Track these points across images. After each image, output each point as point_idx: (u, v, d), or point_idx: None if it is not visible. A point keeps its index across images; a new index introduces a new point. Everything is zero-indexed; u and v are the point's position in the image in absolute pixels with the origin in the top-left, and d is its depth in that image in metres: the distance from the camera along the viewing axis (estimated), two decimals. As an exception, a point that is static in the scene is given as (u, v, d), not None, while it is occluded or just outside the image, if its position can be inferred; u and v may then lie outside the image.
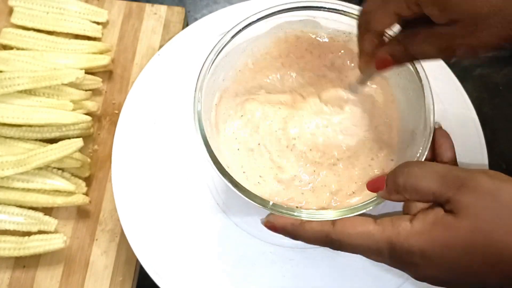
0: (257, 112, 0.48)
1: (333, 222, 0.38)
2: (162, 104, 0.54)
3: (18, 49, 0.59)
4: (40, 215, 0.52)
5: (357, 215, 0.38)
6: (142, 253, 0.48)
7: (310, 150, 0.46)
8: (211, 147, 0.41)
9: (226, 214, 0.50)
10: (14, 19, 0.60)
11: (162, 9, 0.63)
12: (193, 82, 0.44)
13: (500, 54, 0.65)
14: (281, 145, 0.46)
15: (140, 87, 0.55)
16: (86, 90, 0.58)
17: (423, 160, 0.41)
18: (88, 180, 0.56)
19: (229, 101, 0.48)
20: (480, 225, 0.32)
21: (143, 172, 0.51)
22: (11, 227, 0.51)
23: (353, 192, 0.44)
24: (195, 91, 0.43)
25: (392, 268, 0.37)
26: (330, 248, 0.38)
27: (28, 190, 0.52)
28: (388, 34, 0.40)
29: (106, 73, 0.60)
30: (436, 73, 0.53)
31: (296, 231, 0.39)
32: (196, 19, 0.59)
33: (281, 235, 0.40)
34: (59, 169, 0.54)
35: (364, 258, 0.38)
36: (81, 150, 0.54)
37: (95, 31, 0.61)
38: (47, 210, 0.53)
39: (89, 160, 0.56)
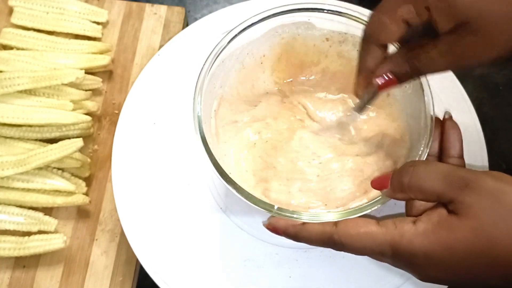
0: (255, 120, 0.48)
1: (336, 223, 0.38)
2: (162, 104, 0.54)
3: (18, 49, 0.59)
4: (40, 215, 0.52)
5: (360, 216, 0.38)
6: (142, 253, 0.48)
7: (311, 162, 0.47)
8: (214, 155, 0.41)
9: (227, 215, 0.50)
10: (14, 19, 0.60)
11: (162, 9, 0.63)
12: (193, 82, 0.44)
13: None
14: (281, 154, 0.47)
15: (140, 87, 0.55)
16: (86, 90, 0.58)
17: (424, 158, 0.41)
18: (88, 180, 0.56)
19: (227, 107, 0.48)
20: (483, 227, 0.32)
21: (143, 172, 0.51)
22: (11, 227, 0.51)
23: (357, 195, 0.44)
24: (194, 98, 0.43)
25: (393, 267, 0.37)
26: (333, 249, 0.38)
27: (28, 190, 0.52)
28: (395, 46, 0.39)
29: (106, 73, 0.60)
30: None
31: (298, 232, 0.39)
32: (196, 19, 0.59)
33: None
34: (59, 169, 0.54)
35: (366, 257, 0.38)
36: (81, 150, 0.54)
37: (95, 31, 0.61)
38: (47, 210, 0.53)
39: (89, 160, 0.56)
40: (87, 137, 0.57)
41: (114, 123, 0.56)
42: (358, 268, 0.48)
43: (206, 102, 0.44)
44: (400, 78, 0.38)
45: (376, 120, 0.48)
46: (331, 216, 0.38)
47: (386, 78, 0.38)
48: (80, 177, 0.55)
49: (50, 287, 0.52)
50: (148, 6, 0.63)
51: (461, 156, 0.43)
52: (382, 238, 0.35)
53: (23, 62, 0.56)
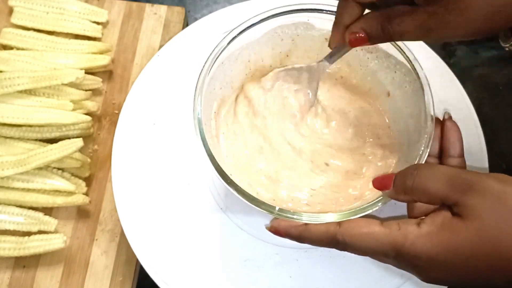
0: (254, 120, 0.48)
1: (339, 223, 0.38)
2: (162, 104, 0.54)
3: (18, 49, 0.59)
4: (40, 215, 0.52)
5: (362, 216, 0.38)
6: (142, 253, 0.48)
7: (305, 157, 0.47)
8: (214, 157, 0.41)
9: (227, 215, 0.50)
10: (14, 19, 0.60)
11: (162, 9, 0.63)
12: (193, 82, 0.44)
13: (500, 54, 0.65)
14: (281, 154, 0.47)
15: (140, 88, 0.55)
16: (86, 90, 0.58)
17: (425, 158, 0.41)
18: (88, 180, 0.56)
19: (227, 108, 0.48)
20: (486, 229, 0.32)
21: (143, 172, 0.51)
22: (11, 227, 0.51)
23: (355, 198, 0.44)
24: (194, 100, 0.43)
25: (393, 267, 0.37)
26: (336, 249, 0.38)
27: (28, 190, 0.52)
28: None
29: (106, 73, 0.60)
30: (436, 73, 0.54)
31: (301, 234, 0.39)
32: (196, 19, 0.59)
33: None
34: (59, 169, 0.54)
35: (366, 258, 0.38)
36: (81, 150, 0.54)
37: (95, 31, 0.61)
38: (47, 210, 0.53)
39: (89, 160, 0.56)
40: (87, 137, 0.57)
41: (114, 123, 0.56)
42: (358, 268, 0.48)
43: (206, 103, 0.44)
44: (371, 39, 0.38)
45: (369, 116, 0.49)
46: (332, 216, 0.38)
47: (358, 35, 0.38)
48: (80, 177, 0.55)
49: (50, 287, 0.52)
50: (148, 6, 0.63)
51: (461, 156, 0.43)
52: (385, 239, 0.35)
53: (23, 62, 0.56)
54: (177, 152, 0.53)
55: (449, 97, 0.53)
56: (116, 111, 0.58)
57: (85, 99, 0.58)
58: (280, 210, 0.39)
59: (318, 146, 0.48)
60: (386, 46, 0.46)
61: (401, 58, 0.45)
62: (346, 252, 0.38)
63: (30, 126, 0.54)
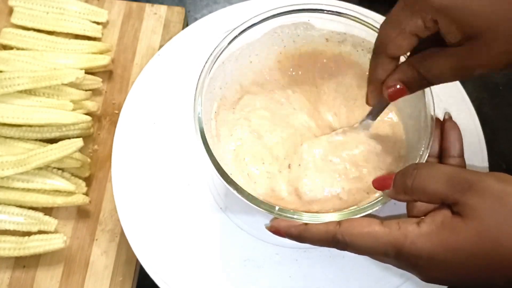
0: (255, 121, 0.48)
1: (339, 222, 0.38)
2: (162, 104, 0.54)
3: (18, 49, 0.59)
4: (40, 215, 0.52)
5: (361, 216, 0.38)
6: (142, 253, 0.48)
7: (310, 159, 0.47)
8: (215, 156, 0.41)
9: (227, 215, 0.50)
10: (14, 19, 0.60)
11: (162, 9, 0.63)
12: (193, 82, 0.44)
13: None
14: (282, 158, 0.47)
15: (140, 87, 0.55)
16: (86, 90, 0.58)
17: (425, 158, 0.41)
18: (88, 180, 0.56)
19: (228, 108, 0.48)
20: (486, 229, 0.32)
21: (143, 172, 0.51)
22: (11, 227, 0.51)
23: (357, 197, 0.44)
24: (194, 100, 0.43)
25: (393, 267, 0.37)
26: (336, 248, 0.38)
27: (28, 190, 0.52)
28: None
29: (106, 73, 0.60)
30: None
31: (301, 233, 0.39)
32: (196, 19, 0.59)
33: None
34: (59, 169, 0.54)
35: (366, 257, 0.38)
36: (81, 150, 0.54)
37: (95, 31, 0.61)
38: (47, 210, 0.53)
39: (89, 160, 0.56)
40: (87, 137, 0.57)
41: (114, 123, 0.56)
42: (358, 268, 0.48)
43: (207, 103, 0.44)
44: (410, 88, 0.38)
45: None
46: (332, 216, 0.38)
47: (396, 88, 0.38)
48: (80, 177, 0.55)
49: (50, 287, 0.52)
50: (148, 6, 0.63)
51: (461, 156, 0.43)
52: (386, 239, 0.35)
53: (23, 62, 0.56)
54: (177, 152, 0.53)
55: (449, 97, 0.53)
56: (116, 111, 0.58)
57: (85, 99, 0.58)
58: (280, 209, 0.39)
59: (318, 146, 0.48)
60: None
61: (401, 59, 0.45)
62: (346, 252, 0.38)
63: (30, 126, 0.54)
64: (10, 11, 0.61)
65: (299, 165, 0.45)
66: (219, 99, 0.48)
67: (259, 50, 0.48)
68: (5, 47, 0.59)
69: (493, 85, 0.65)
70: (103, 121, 0.58)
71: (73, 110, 0.55)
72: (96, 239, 0.54)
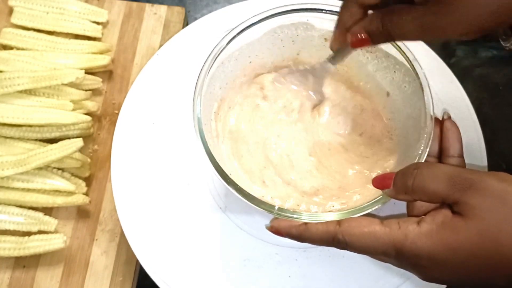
0: (254, 122, 0.48)
1: (339, 222, 0.38)
2: (162, 104, 0.54)
3: (18, 49, 0.59)
4: (40, 215, 0.52)
5: (361, 215, 0.38)
6: (142, 253, 0.48)
7: (307, 156, 0.46)
8: (214, 157, 0.41)
9: (227, 215, 0.50)
10: (14, 19, 0.60)
11: (162, 9, 0.63)
12: (192, 82, 0.44)
13: (500, 54, 0.65)
14: (280, 155, 0.47)
15: (140, 87, 0.55)
16: (86, 90, 0.58)
17: (425, 158, 0.41)
18: (88, 180, 0.56)
19: (227, 108, 0.48)
20: (487, 228, 0.32)
21: (142, 172, 0.51)
22: (11, 227, 0.51)
23: (358, 195, 0.44)
24: (193, 100, 0.43)
25: (393, 267, 0.37)
26: (336, 248, 0.38)
27: (28, 190, 0.52)
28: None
29: (106, 73, 0.60)
30: (436, 73, 0.54)
31: (301, 233, 0.39)
32: (196, 19, 0.59)
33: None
34: (59, 169, 0.54)
35: (366, 257, 0.38)
36: (81, 150, 0.54)
37: (95, 31, 0.61)
38: (47, 210, 0.53)
39: (89, 160, 0.56)
40: (87, 137, 0.57)
41: (114, 123, 0.56)
42: (358, 268, 0.48)
43: (206, 103, 0.44)
44: (373, 39, 0.38)
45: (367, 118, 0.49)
46: (331, 216, 0.38)
47: (360, 36, 0.38)
48: (80, 177, 0.55)
49: (50, 287, 0.52)
50: (148, 6, 0.63)
51: (461, 156, 0.43)
52: (386, 238, 0.35)
53: (23, 62, 0.56)
54: (176, 151, 0.53)
55: (449, 97, 0.53)
56: (116, 111, 0.58)
57: (85, 99, 0.58)
58: (280, 209, 0.39)
59: (318, 147, 0.48)
60: (386, 46, 0.46)
61: (400, 58, 0.45)
62: (345, 252, 0.38)
63: (30, 126, 0.54)
64: (10, 11, 0.61)
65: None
66: (219, 99, 0.48)
67: (259, 50, 0.48)
68: (5, 47, 0.59)
69: (493, 85, 0.65)
70: (103, 121, 0.59)
71: (73, 110, 0.55)
72: (96, 239, 0.54)
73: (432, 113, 0.42)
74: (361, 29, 0.38)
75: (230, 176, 0.40)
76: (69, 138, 0.54)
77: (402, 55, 0.44)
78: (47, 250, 0.51)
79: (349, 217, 0.38)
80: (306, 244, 0.40)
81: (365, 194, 0.44)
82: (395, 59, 0.46)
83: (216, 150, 0.43)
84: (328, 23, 0.47)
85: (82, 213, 0.55)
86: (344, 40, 0.40)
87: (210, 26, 0.57)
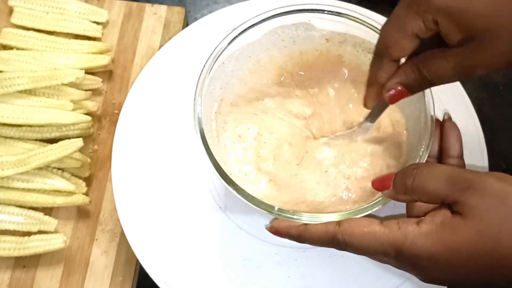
0: (255, 123, 0.48)
1: (339, 222, 0.38)
2: (162, 104, 0.54)
3: (18, 49, 0.59)
4: (40, 215, 0.52)
5: (362, 216, 0.38)
6: (142, 253, 0.48)
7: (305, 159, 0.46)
8: (214, 157, 0.41)
9: (227, 215, 0.50)
10: (14, 19, 0.60)
11: (162, 9, 0.63)
12: (193, 82, 0.44)
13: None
14: (282, 158, 0.47)
15: (140, 87, 0.55)
16: (86, 90, 0.58)
17: (425, 159, 0.41)
18: (88, 180, 0.56)
19: (228, 108, 0.48)
20: (486, 228, 0.32)
21: (143, 172, 0.51)
22: (11, 227, 0.51)
23: (356, 200, 0.44)
24: (194, 100, 0.43)
25: (393, 267, 0.37)
26: (336, 249, 0.38)
27: (28, 190, 0.52)
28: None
29: (106, 73, 0.60)
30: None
31: (301, 234, 0.39)
32: (196, 19, 0.59)
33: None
34: (59, 169, 0.54)
35: (366, 258, 0.38)
36: (81, 150, 0.54)
37: (95, 31, 0.61)
38: (47, 210, 0.53)
39: (89, 160, 0.56)
40: (87, 137, 0.57)
41: (114, 123, 0.56)
42: (358, 268, 0.48)
43: (207, 103, 0.44)
44: (411, 90, 0.38)
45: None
46: (332, 216, 0.38)
47: (397, 91, 0.38)
48: (80, 177, 0.55)
49: (50, 287, 0.52)
50: (148, 6, 0.63)
51: (460, 156, 0.43)
52: (385, 239, 0.35)
53: (23, 62, 0.56)
54: (177, 151, 0.53)
55: (449, 97, 0.53)
56: (116, 111, 0.58)
57: (85, 99, 0.58)
58: (280, 210, 0.39)
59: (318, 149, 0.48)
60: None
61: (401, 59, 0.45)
62: (345, 252, 0.38)
63: (30, 126, 0.54)
64: (10, 11, 0.61)
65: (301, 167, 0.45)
66: (220, 99, 0.48)
67: (260, 50, 0.48)
68: (5, 47, 0.59)
69: (493, 85, 0.65)
70: (103, 121, 0.58)
71: (73, 110, 0.55)
72: (96, 239, 0.54)
73: (432, 114, 0.42)
74: (398, 83, 0.38)
75: (230, 176, 0.40)
76: (69, 138, 0.54)
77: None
78: (47, 250, 0.51)
79: (348, 218, 0.38)
80: (306, 245, 0.40)
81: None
82: (395, 60, 0.46)
83: (216, 150, 0.43)
84: (329, 23, 0.47)
85: (82, 213, 0.55)
86: (380, 96, 0.40)
87: (210, 26, 0.57)
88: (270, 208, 0.39)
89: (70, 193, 0.53)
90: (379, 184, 0.39)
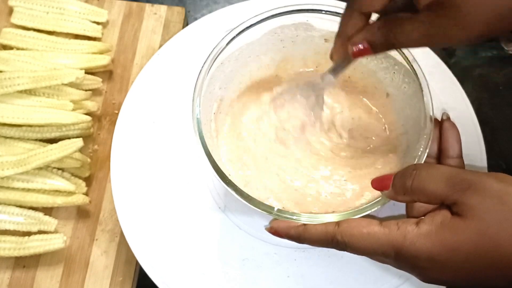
0: (254, 123, 0.48)
1: (338, 223, 0.38)
2: (162, 103, 0.54)
3: (18, 49, 0.59)
4: (40, 215, 0.52)
5: (360, 216, 0.38)
6: (141, 253, 0.48)
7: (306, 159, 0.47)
8: (213, 157, 0.41)
9: (226, 214, 0.50)
10: (14, 19, 0.60)
11: (162, 9, 0.63)
12: (192, 82, 0.44)
13: (500, 54, 0.65)
14: (279, 155, 0.47)
15: (140, 87, 0.55)
16: (86, 90, 0.58)
17: (424, 159, 0.41)
18: (88, 180, 0.56)
19: (227, 109, 0.48)
20: (486, 228, 0.32)
21: (142, 172, 0.51)
22: (11, 227, 0.51)
23: (357, 197, 0.44)
24: (193, 101, 0.43)
25: (392, 268, 0.37)
26: (335, 249, 0.38)
27: (28, 190, 0.52)
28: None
29: (106, 73, 0.60)
30: (435, 73, 0.54)
31: (300, 234, 0.39)
32: (196, 19, 0.59)
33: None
34: (59, 169, 0.54)
35: (365, 258, 0.38)
36: (81, 150, 0.54)
37: (95, 31, 0.61)
38: (47, 210, 0.53)
39: (89, 160, 0.56)
40: (87, 137, 0.57)
41: (114, 123, 0.56)
42: (357, 268, 0.48)
43: (206, 104, 0.44)
44: (374, 48, 0.38)
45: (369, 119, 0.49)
46: (331, 217, 0.38)
47: (361, 46, 0.38)
48: (80, 177, 0.55)
49: (50, 287, 0.52)
50: (148, 6, 0.63)
51: (460, 157, 0.43)
52: (385, 239, 0.35)
53: (23, 62, 0.56)
54: (176, 151, 0.53)
55: (448, 97, 0.53)
56: (116, 111, 0.58)
57: (85, 99, 0.58)
58: (279, 210, 0.39)
59: (318, 151, 0.48)
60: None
61: (400, 58, 0.45)
62: (344, 252, 0.38)
63: (30, 126, 0.54)
64: (10, 11, 0.61)
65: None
66: (219, 99, 0.48)
67: (259, 50, 0.48)
68: (5, 47, 0.59)
69: (493, 85, 0.65)
70: (103, 121, 0.59)
71: (73, 110, 0.55)
72: (96, 239, 0.54)
73: (431, 114, 0.42)
74: (362, 39, 0.38)
75: (229, 177, 0.40)
76: (69, 138, 0.54)
77: (402, 55, 0.44)
78: (47, 250, 0.51)
79: (348, 218, 0.38)
80: (305, 245, 0.40)
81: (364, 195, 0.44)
82: (394, 60, 0.46)
83: (215, 150, 0.43)
84: (328, 23, 0.47)
85: (82, 213, 0.55)
86: (346, 50, 0.39)
87: (210, 26, 0.57)
88: (269, 209, 0.39)
89: (70, 193, 0.53)
90: (378, 184, 0.39)
